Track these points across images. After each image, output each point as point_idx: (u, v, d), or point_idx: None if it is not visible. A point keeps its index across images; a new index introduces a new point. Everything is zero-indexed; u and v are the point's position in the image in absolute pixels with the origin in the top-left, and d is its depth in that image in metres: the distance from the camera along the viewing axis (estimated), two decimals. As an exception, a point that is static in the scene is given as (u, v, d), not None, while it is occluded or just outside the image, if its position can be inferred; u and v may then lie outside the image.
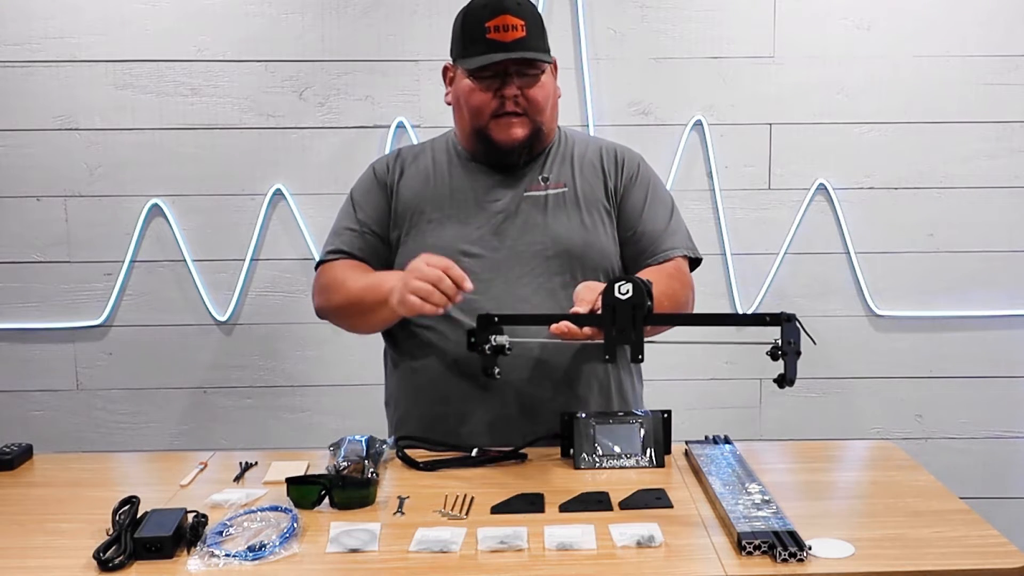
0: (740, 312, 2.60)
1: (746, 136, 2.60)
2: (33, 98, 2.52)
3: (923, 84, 2.58)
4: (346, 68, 2.55)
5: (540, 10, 2.47)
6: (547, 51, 1.72)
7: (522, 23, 1.66)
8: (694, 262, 1.81)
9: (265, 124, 2.56)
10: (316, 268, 1.84)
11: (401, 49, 2.55)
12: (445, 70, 1.80)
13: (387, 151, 2.55)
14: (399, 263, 1.75)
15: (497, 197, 1.75)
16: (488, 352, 1.56)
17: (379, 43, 2.54)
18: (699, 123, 2.59)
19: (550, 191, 1.75)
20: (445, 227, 1.74)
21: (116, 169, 2.56)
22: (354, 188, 1.85)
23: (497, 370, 1.58)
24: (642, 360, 1.45)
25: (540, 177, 1.77)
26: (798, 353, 1.37)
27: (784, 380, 1.35)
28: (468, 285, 1.51)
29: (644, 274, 1.64)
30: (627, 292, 1.42)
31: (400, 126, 2.56)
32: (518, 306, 1.66)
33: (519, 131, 1.70)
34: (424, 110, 2.57)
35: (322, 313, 1.81)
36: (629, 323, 1.42)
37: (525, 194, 1.75)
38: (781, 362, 1.35)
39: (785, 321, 1.37)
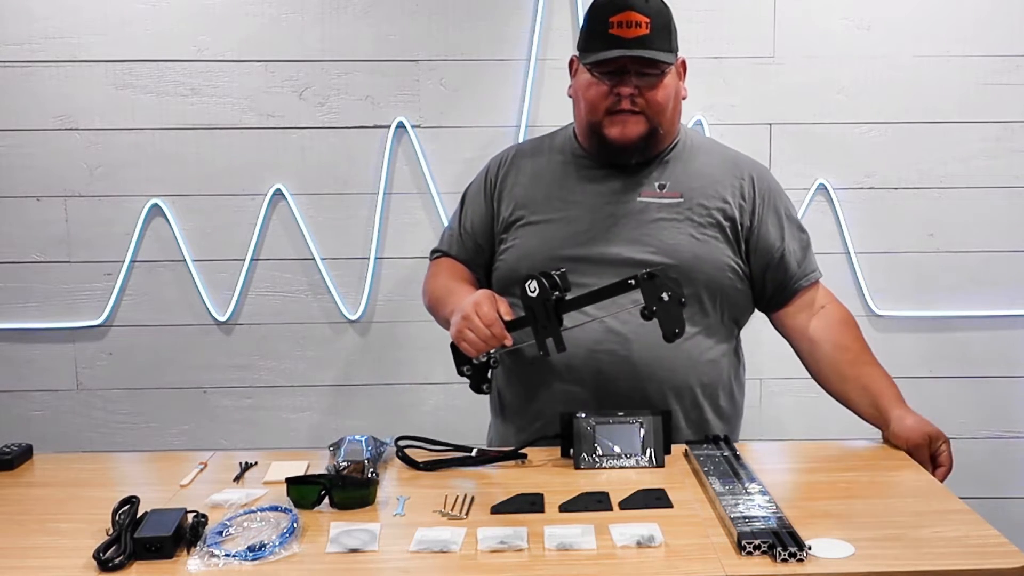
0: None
1: (746, 136, 2.59)
2: (33, 98, 2.52)
3: (923, 84, 2.58)
4: (346, 68, 2.55)
5: (540, 11, 2.50)
6: (672, 51, 1.67)
7: (647, 20, 1.62)
8: None
9: (265, 124, 2.56)
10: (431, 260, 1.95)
11: (401, 49, 2.54)
12: (571, 62, 1.77)
13: (387, 151, 2.56)
14: (503, 264, 1.77)
15: (608, 200, 1.72)
16: (469, 373, 1.65)
17: (379, 43, 2.54)
18: (699, 123, 2.58)
19: (664, 199, 1.71)
20: (550, 230, 1.72)
21: (116, 169, 2.56)
22: (468, 187, 1.90)
23: (486, 385, 1.66)
24: (564, 350, 1.53)
25: (657, 184, 1.72)
26: (682, 304, 1.42)
27: (665, 337, 1.43)
28: (508, 342, 1.57)
29: (814, 333, 1.73)
30: (535, 290, 1.51)
31: (400, 126, 2.56)
32: (622, 311, 1.61)
33: (634, 129, 1.67)
34: (424, 110, 2.57)
35: None
36: (545, 316, 1.51)
37: (638, 200, 1.71)
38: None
39: (645, 281, 1.42)
